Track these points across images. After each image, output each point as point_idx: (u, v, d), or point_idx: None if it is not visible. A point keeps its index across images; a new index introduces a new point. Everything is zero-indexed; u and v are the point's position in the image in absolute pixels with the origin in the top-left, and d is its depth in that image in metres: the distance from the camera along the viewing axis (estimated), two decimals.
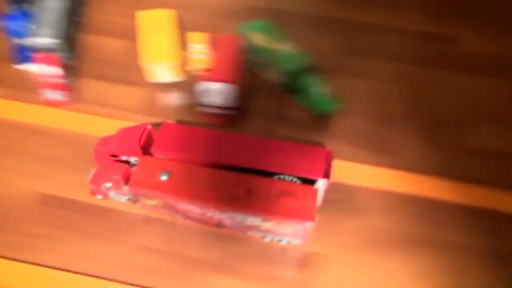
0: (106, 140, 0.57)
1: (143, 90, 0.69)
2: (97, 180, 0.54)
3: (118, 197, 0.56)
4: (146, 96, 0.68)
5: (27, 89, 0.68)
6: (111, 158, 0.55)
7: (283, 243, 0.55)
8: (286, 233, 0.52)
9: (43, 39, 0.66)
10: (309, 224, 0.49)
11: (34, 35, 0.66)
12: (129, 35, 0.73)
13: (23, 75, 0.70)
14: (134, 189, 0.52)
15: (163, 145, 0.54)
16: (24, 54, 0.69)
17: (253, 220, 0.51)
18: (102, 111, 0.67)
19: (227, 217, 0.52)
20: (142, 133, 0.54)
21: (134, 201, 0.56)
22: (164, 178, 0.51)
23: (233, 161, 0.52)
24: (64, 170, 0.61)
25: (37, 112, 0.66)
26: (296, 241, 0.54)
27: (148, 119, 0.64)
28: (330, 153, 0.54)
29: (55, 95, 0.66)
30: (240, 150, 0.53)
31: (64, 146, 0.63)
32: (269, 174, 0.52)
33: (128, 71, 0.70)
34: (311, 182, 0.52)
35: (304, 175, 0.52)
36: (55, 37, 0.66)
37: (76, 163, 0.61)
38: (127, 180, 0.53)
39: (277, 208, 0.49)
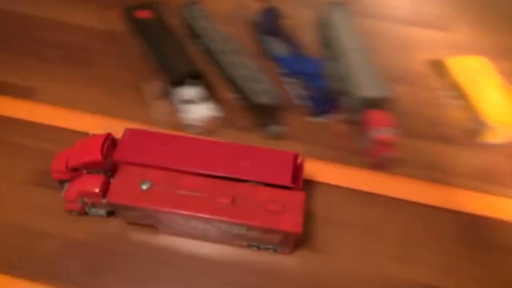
0: (64, 154, 0.54)
1: (473, 151, 0.62)
2: (72, 195, 0.52)
3: (96, 211, 0.54)
4: (481, 159, 0.61)
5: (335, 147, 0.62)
6: (72, 173, 0.52)
7: (270, 251, 0.53)
8: (273, 241, 0.51)
9: (372, 91, 0.60)
10: (296, 232, 0.48)
11: (356, 85, 0.61)
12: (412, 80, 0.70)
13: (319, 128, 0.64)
14: (114, 201, 0.49)
15: (127, 152, 0.52)
16: (324, 105, 0.65)
17: (239, 229, 0.49)
18: (425, 175, 0.59)
19: (212, 227, 0.50)
20: (104, 141, 0.52)
21: (113, 213, 0.54)
22: (145, 187, 0.49)
23: (195, 168, 0.51)
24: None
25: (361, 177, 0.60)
26: (284, 249, 0.52)
27: (497, 189, 0.58)
28: (297, 156, 0.53)
29: (383, 158, 0.59)
30: (206, 157, 0.52)
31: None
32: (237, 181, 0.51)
33: (442, 126, 0.64)
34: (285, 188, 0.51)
35: (271, 181, 0.50)
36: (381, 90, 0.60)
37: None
38: (105, 193, 0.50)
39: (263, 216, 0.48)
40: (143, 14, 0.70)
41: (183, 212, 0.48)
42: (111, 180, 0.52)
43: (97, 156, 0.51)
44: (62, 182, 0.53)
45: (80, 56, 0.73)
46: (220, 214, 0.48)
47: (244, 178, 0.51)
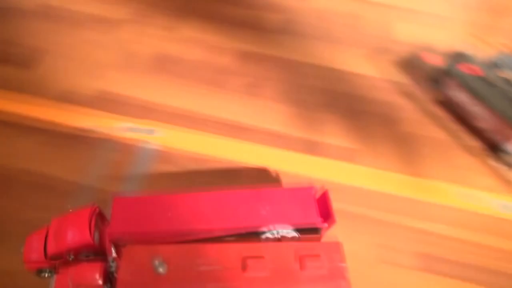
0: (38, 238, 0.44)
1: None
2: None
3: None
4: None
5: None
6: (52, 261, 0.43)
7: None
8: None
9: None
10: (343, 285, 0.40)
11: None
12: None
13: None
14: None
15: (123, 223, 0.44)
16: None
17: None
18: None
19: None
20: (90, 217, 0.44)
21: None
22: (161, 270, 0.41)
23: (212, 225, 0.44)
24: None
25: None
26: None
27: None
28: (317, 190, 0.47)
29: None
30: (220, 211, 0.46)
31: None
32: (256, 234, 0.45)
33: None
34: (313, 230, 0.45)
35: (301, 223, 0.45)
36: None
37: None
38: (107, 281, 0.42)
39: (305, 277, 0.41)
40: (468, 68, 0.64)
41: None
42: (111, 265, 0.43)
43: (85, 236, 0.42)
44: (40, 273, 0.44)
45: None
46: (260, 285, 0.40)
47: (269, 226, 0.44)
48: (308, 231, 0.45)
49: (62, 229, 0.44)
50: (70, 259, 0.43)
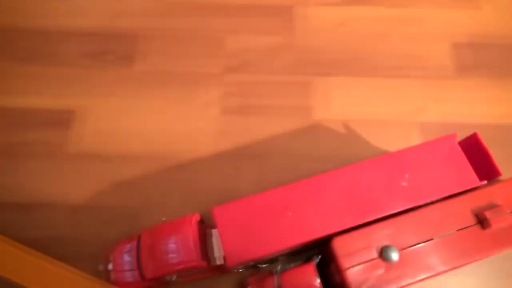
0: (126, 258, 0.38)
1: None
2: None
3: None
4: None
5: None
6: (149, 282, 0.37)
7: None
8: None
9: None
10: None
11: None
12: None
13: None
14: None
15: (237, 244, 0.35)
16: None
17: None
18: None
19: None
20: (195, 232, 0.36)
21: None
22: (393, 257, 0.35)
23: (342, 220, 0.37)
24: None
25: None
26: None
27: None
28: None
29: None
30: (341, 198, 0.37)
31: None
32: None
33: None
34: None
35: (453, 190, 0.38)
36: None
37: None
38: None
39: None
40: None
41: None
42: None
43: (197, 258, 0.35)
44: None
45: None
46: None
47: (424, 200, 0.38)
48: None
49: (161, 247, 0.36)
50: (172, 280, 0.38)
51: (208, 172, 0.49)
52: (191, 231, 0.36)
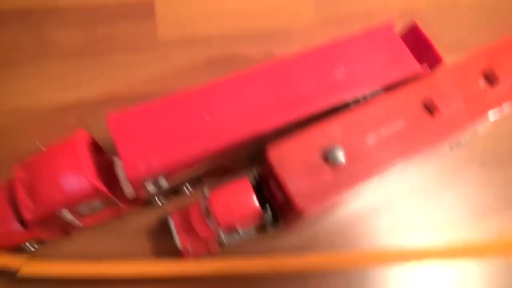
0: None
1: None
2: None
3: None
4: None
5: None
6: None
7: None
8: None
9: None
10: None
11: None
12: None
13: None
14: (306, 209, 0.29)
15: (141, 153, 0.29)
16: None
17: None
18: None
19: None
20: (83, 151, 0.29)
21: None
22: (339, 158, 0.29)
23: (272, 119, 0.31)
24: None
25: None
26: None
27: None
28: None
29: None
30: (268, 95, 0.32)
31: None
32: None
33: None
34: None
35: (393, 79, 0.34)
36: None
37: None
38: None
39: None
40: None
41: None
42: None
43: (91, 179, 0.28)
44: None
45: None
46: None
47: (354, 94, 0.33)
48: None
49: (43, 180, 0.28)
50: (74, 223, 0.30)
51: None
52: (76, 149, 0.29)
